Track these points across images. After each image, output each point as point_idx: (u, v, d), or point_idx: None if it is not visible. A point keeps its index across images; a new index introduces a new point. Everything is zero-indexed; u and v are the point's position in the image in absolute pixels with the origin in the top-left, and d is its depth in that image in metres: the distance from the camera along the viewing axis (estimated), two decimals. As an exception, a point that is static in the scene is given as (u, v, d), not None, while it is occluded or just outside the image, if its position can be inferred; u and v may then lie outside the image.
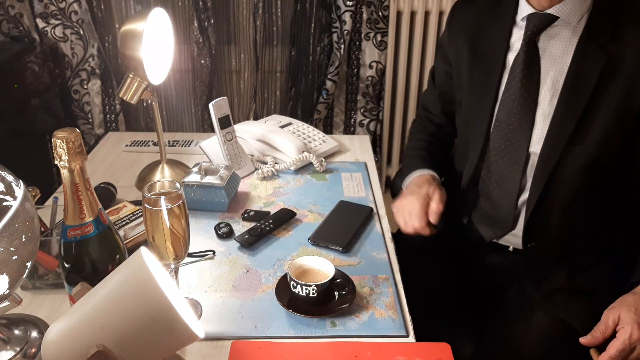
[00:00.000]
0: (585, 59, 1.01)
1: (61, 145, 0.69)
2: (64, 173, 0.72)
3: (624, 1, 1.02)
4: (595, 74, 0.99)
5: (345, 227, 1.15)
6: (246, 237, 1.10)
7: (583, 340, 0.98)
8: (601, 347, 0.96)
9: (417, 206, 1.08)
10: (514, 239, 1.15)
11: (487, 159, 1.13)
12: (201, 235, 1.14)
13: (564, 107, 1.03)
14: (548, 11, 1.02)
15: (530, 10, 1.05)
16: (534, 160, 1.07)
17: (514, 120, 1.08)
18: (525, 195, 1.10)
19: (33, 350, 0.80)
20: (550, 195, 1.06)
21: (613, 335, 0.95)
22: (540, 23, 1.04)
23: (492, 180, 1.13)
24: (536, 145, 1.06)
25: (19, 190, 0.72)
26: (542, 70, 1.05)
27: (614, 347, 0.93)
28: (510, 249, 1.17)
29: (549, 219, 1.09)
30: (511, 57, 1.09)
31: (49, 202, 1.20)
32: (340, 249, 1.09)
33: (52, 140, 0.70)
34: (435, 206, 1.07)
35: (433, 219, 1.07)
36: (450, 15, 1.24)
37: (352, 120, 2.29)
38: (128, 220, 1.08)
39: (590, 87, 1.00)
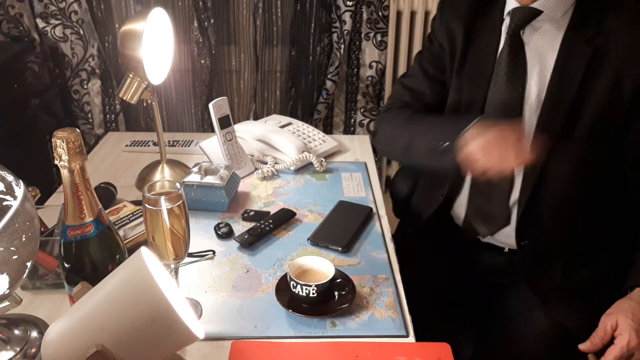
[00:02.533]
0: (570, 53, 1.01)
1: (61, 145, 0.69)
2: (64, 173, 0.72)
3: None
4: (581, 68, 0.99)
5: (345, 227, 1.15)
6: (246, 237, 1.10)
7: (582, 347, 0.98)
8: (600, 353, 0.96)
9: (513, 139, 0.92)
10: (508, 239, 1.15)
11: None
12: (201, 235, 1.14)
13: (551, 101, 1.02)
14: (532, 5, 1.03)
15: (515, 4, 1.06)
16: None
17: (502, 115, 1.07)
18: (516, 193, 1.09)
19: (33, 350, 0.80)
20: (541, 192, 1.06)
21: (611, 341, 0.96)
22: (524, 17, 1.04)
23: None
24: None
25: (19, 190, 0.72)
26: (528, 65, 1.05)
27: (612, 354, 0.94)
28: (506, 249, 1.17)
29: (541, 216, 1.09)
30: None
31: (50, 202, 1.20)
32: (340, 249, 1.09)
33: (52, 140, 0.70)
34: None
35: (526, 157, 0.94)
36: (441, 2, 1.22)
37: (352, 120, 2.29)
38: (128, 220, 1.08)
39: (576, 81, 1.00)
